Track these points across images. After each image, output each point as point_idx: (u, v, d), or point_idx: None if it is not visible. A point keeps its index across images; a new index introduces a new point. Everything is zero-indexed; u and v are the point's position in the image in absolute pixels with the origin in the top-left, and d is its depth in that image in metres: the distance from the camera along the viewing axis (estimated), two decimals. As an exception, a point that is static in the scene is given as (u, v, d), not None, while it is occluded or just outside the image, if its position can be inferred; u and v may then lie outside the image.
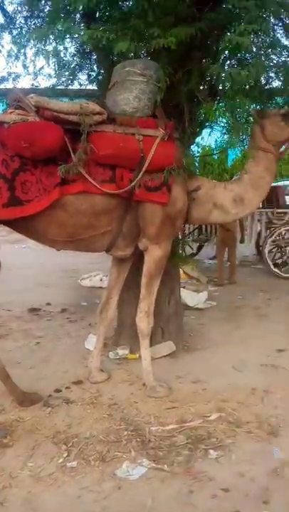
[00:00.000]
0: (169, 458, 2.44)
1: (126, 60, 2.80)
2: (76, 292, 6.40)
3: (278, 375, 3.50)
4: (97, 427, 2.73)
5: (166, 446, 2.55)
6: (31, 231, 2.85)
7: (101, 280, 6.58)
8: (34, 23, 4.09)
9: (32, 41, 3.28)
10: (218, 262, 7.44)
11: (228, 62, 3.90)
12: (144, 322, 3.12)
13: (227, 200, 3.24)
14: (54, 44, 3.06)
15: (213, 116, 2.96)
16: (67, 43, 3.82)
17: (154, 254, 3.02)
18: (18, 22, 4.09)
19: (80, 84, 4.37)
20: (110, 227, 2.88)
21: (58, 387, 3.25)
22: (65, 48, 3.95)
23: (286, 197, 13.09)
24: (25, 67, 4.07)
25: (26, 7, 3.93)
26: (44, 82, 4.26)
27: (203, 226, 8.03)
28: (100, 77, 4.00)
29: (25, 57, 4.01)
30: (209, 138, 4.51)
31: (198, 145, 4.47)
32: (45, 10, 3.78)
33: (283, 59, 3.93)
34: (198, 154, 4.95)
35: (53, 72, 4.05)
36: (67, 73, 4.23)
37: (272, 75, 4.07)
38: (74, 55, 4.18)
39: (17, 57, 3.90)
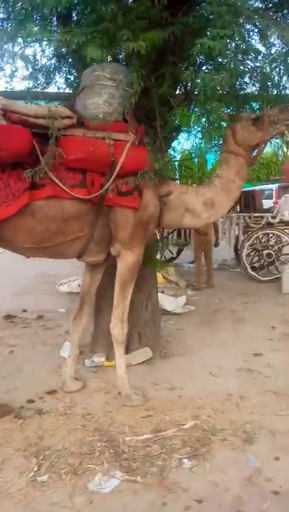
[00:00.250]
0: (143, 469, 2.39)
1: (96, 64, 2.76)
2: (53, 298, 6.31)
3: (254, 380, 3.50)
4: (69, 439, 2.67)
5: (140, 456, 2.50)
6: None
7: (79, 285, 6.48)
8: (10, 25, 4.02)
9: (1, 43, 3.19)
10: (195, 266, 7.45)
11: (204, 67, 3.92)
12: (118, 328, 3.07)
13: (198, 205, 3.23)
14: (23, 46, 2.98)
15: (186, 121, 2.93)
16: (44, 45, 3.77)
17: (127, 260, 2.97)
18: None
19: (58, 88, 4.31)
20: (81, 233, 2.83)
21: (31, 397, 3.18)
22: (42, 51, 3.90)
23: (263, 201, 13.27)
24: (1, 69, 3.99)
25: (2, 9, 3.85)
26: (19, 85, 4.18)
27: (182, 230, 8.03)
28: (78, 81, 3.95)
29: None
30: (187, 142, 4.51)
31: (174, 149, 4.45)
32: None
33: (258, 64, 3.97)
34: (176, 159, 4.93)
35: (28, 75, 3.99)
36: (41, 76, 4.18)
37: (247, 80, 4.11)
38: (50, 57, 4.13)
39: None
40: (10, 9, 3.68)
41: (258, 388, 3.33)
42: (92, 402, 3.12)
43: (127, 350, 3.91)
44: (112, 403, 3.10)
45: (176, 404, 3.08)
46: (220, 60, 3.64)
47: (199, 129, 4.06)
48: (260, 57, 3.92)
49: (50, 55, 4.08)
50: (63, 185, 2.60)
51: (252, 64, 3.94)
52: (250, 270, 7.59)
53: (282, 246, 7.88)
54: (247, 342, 4.39)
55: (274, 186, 17.18)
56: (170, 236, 8.23)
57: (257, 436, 2.67)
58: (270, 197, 15.25)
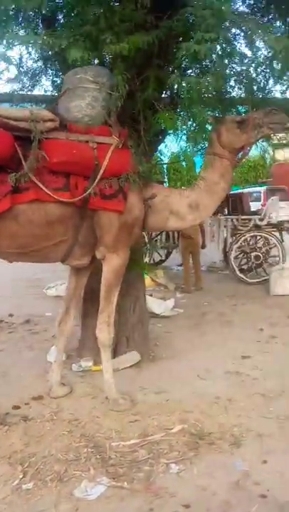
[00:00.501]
0: (130, 475, 2.36)
1: (79, 66, 2.74)
2: (41, 302, 6.26)
3: (242, 382, 3.50)
4: (55, 445, 2.63)
5: (127, 462, 2.47)
6: None
7: (67, 289, 6.44)
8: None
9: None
10: (184, 269, 7.45)
11: (190, 70, 3.93)
12: (104, 333, 3.04)
13: (183, 207, 3.23)
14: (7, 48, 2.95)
15: (171, 124, 2.92)
16: (29, 47, 3.74)
17: (112, 263, 2.95)
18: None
19: (45, 91, 4.29)
20: (65, 237, 2.80)
21: (17, 403, 3.13)
22: (29, 53, 3.87)
23: (251, 203, 13.36)
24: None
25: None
26: (5, 88, 4.15)
27: (170, 233, 8.04)
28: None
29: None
30: (174, 145, 4.51)
31: (161, 153, 4.45)
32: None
33: (244, 68, 3.99)
34: (165, 161, 4.93)
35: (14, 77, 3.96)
36: (26, 78, 4.14)
37: (233, 83, 4.13)
38: (36, 60, 4.10)
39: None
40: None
41: (246, 391, 3.32)
42: (79, 408, 3.08)
43: (115, 353, 3.89)
44: (99, 408, 3.07)
45: (164, 408, 3.06)
46: (206, 63, 3.66)
47: (185, 132, 4.07)
48: (246, 61, 3.95)
49: (36, 58, 4.06)
50: (46, 188, 2.57)
51: (238, 67, 3.96)
52: (238, 272, 7.62)
53: (270, 248, 7.92)
54: (235, 344, 4.39)
55: (262, 189, 17.32)
56: (158, 239, 8.26)
57: (245, 440, 2.66)
58: (258, 199, 15.38)
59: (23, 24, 3.72)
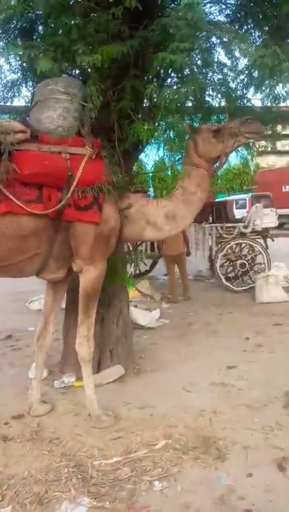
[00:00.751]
0: (112, 494, 2.29)
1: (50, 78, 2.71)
2: (23, 316, 6.13)
3: (227, 394, 3.44)
4: (35, 466, 2.54)
5: (109, 481, 2.39)
6: None
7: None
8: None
9: None
10: (169, 279, 7.40)
11: (168, 79, 3.93)
12: (84, 347, 2.96)
13: (160, 217, 3.20)
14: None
15: (147, 135, 2.90)
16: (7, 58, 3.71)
17: (90, 275, 2.89)
18: None
19: (26, 101, 4.24)
20: (40, 250, 2.74)
21: (-4, 423, 3.03)
22: (9, 63, 3.84)
23: (237, 211, 13.43)
24: None
25: None
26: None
27: (155, 243, 7.99)
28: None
29: None
30: (155, 155, 4.49)
31: (142, 162, 4.43)
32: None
33: (221, 77, 4.00)
34: (148, 171, 4.92)
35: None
36: (4, 90, 4.10)
37: (211, 92, 4.14)
38: (15, 71, 4.06)
39: None
40: None
41: (231, 402, 3.27)
42: (60, 426, 2.99)
43: (99, 368, 3.82)
44: (81, 426, 2.99)
45: (148, 423, 2.99)
46: (185, 72, 3.66)
47: (163, 142, 4.06)
48: (225, 70, 3.97)
49: (14, 69, 4.02)
50: (18, 200, 2.51)
51: (217, 76, 3.98)
52: (224, 281, 7.60)
53: (255, 255, 7.92)
54: (221, 354, 4.35)
55: (247, 196, 17.46)
56: (143, 249, 8.21)
57: (229, 453, 2.60)
58: (243, 206, 15.50)
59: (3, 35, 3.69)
